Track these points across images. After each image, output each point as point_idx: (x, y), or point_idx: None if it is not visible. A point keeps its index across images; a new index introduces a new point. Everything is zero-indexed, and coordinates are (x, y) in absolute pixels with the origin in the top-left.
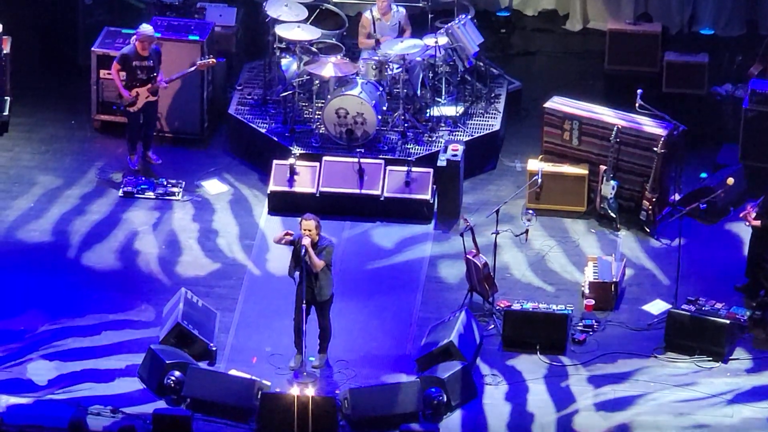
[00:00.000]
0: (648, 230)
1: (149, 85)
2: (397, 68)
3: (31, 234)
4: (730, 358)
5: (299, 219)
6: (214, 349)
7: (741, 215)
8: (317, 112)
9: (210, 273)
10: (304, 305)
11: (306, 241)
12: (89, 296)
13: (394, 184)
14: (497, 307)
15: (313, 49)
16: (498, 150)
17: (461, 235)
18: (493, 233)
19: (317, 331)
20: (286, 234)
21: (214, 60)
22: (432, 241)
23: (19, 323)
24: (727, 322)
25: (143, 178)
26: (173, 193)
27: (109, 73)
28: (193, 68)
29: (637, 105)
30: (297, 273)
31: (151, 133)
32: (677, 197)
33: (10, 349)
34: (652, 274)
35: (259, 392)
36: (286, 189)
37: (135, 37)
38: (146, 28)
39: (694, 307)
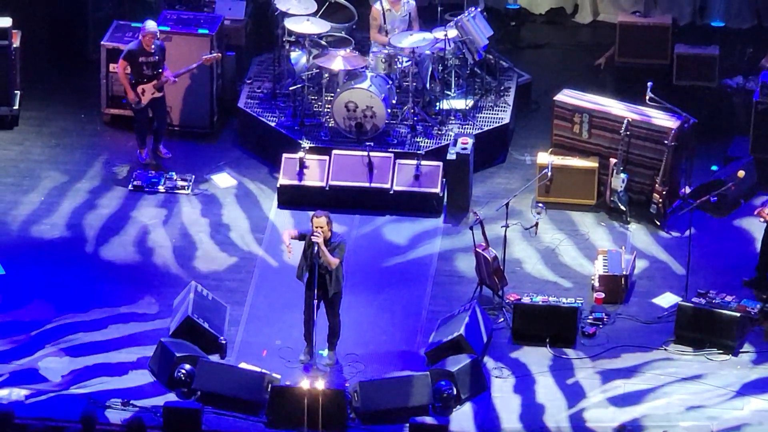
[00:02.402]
0: (658, 223)
1: (155, 81)
2: (407, 61)
3: (42, 228)
4: (741, 350)
5: (311, 215)
6: (224, 342)
7: (755, 213)
8: (327, 106)
9: (228, 267)
10: (315, 301)
11: (318, 240)
12: (100, 290)
13: (404, 178)
14: (507, 301)
15: (323, 42)
16: (508, 143)
17: (471, 228)
18: (502, 226)
19: (326, 328)
20: (288, 246)
21: (219, 55)
22: (441, 235)
23: (29, 317)
24: (738, 314)
25: (153, 172)
26: (183, 187)
27: None
28: (198, 63)
29: (647, 98)
30: (307, 274)
31: (161, 128)
32: (688, 190)
33: (21, 342)
34: (662, 267)
35: (269, 385)
36: (296, 182)
37: (140, 32)
38: (150, 24)
39: (705, 299)
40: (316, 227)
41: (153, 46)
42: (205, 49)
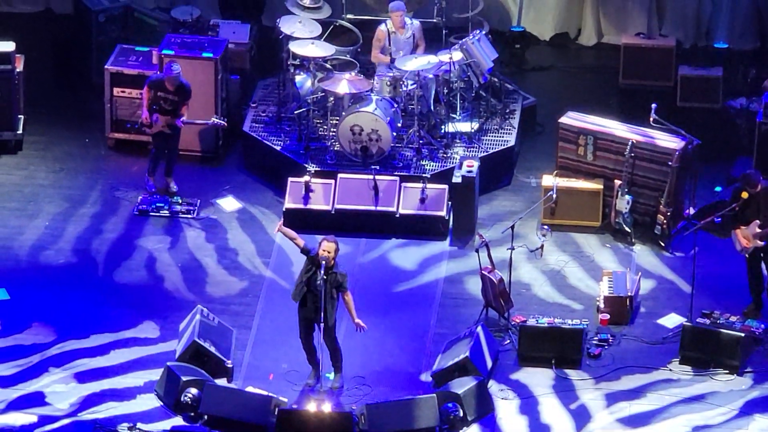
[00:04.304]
0: (663, 244)
1: (168, 117)
2: (412, 84)
3: (47, 253)
4: (745, 370)
5: (320, 239)
6: (230, 366)
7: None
8: (332, 129)
9: (234, 291)
10: (317, 324)
11: (360, 323)
12: (106, 315)
13: (410, 201)
14: (513, 323)
15: (328, 65)
16: (513, 166)
17: (476, 251)
18: (508, 249)
19: (328, 353)
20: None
21: (225, 124)
22: (447, 258)
23: (33, 342)
24: (742, 335)
25: (158, 197)
26: (188, 212)
27: (123, 91)
28: (207, 123)
29: (651, 119)
30: (304, 290)
31: (173, 162)
32: (692, 211)
33: (26, 367)
34: (667, 288)
35: (276, 409)
36: (301, 206)
37: (166, 70)
38: (175, 68)
39: (709, 320)
40: (324, 250)
41: (174, 86)
42: (209, 73)
